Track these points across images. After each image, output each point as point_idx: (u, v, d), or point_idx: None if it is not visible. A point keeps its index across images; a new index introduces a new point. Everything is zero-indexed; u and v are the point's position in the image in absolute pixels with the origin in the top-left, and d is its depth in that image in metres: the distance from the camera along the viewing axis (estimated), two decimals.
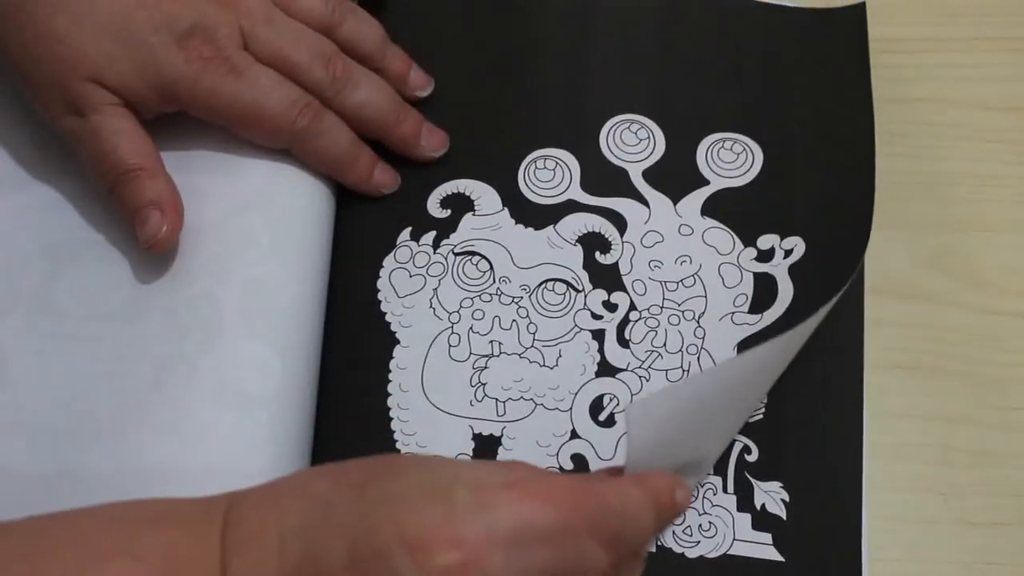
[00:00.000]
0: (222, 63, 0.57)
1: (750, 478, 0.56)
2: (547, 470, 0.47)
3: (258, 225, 0.59)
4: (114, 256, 0.58)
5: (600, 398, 0.58)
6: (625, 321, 0.59)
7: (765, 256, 0.60)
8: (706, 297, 0.60)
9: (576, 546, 0.41)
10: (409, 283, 0.61)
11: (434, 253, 0.61)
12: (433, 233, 0.61)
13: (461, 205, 0.62)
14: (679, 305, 0.60)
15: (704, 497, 0.56)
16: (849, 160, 0.62)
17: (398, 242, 0.61)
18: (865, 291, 0.60)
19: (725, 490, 0.56)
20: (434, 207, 0.62)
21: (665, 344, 0.59)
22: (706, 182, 0.62)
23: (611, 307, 0.60)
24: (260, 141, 0.59)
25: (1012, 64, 0.66)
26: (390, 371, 0.59)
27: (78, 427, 0.54)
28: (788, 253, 0.60)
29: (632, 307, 0.60)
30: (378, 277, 0.61)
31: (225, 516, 0.42)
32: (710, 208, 0.62)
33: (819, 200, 0.61)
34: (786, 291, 0.60)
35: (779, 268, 0.60)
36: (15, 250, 0.58)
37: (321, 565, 0.40)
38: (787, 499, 0.56)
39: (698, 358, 0.59)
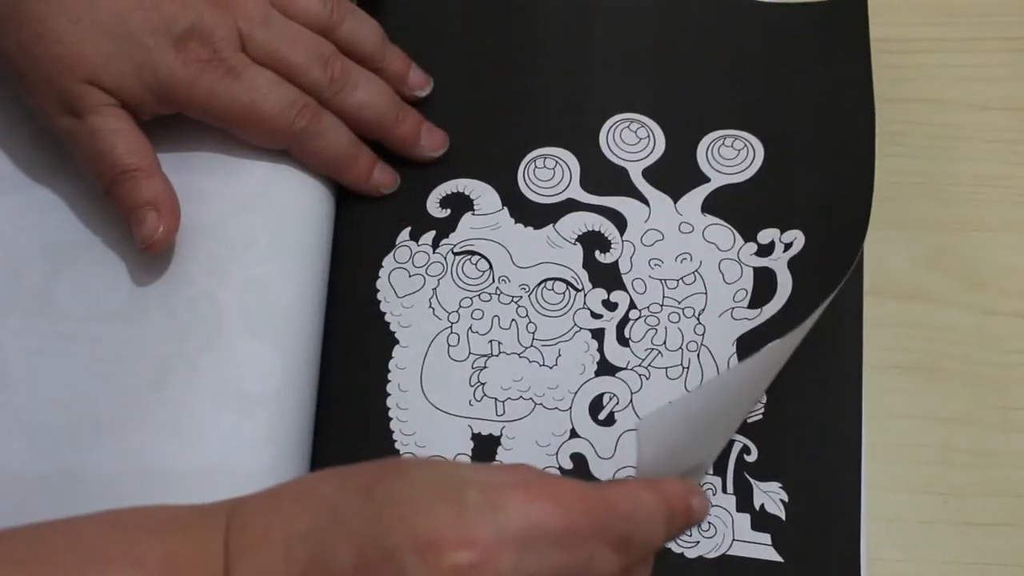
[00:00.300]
0: (219, 65, 0.57)
1: (749, 478, 0.56)
2: (553, 474, 0.47)
3: (257, 225, 0.59)
4: (114, 256, 0.58)
5: (600, 397, 0.58)
6: (625, 320, 0.59)
7: (765, 250, 0.60)
8: (706, 294, 0.60)
9: (586, 549, 0.41)
10: (408, 283, 0.61)
11: (433, 253, 0.61)
12: (432, 233, 0.61)
13: (460, 205, 0.62)
14: (679, 303, 0.60)
15: None
16: (850, 152, 0.61)
17: (397, 242, 0.61)
18: (865, 291, 0.60)
19: (724, 490, 0.56)
20: (433, 207, 0.62)
21: (665, 342, 0.59)
22: (707, 179, 0.62)
23: (611, 306, 0.60)
24: (258, 142, 0.59)
25: (1012, 64, 0.66)
26: (389, 371, 0.59)
27: (78, 427, 0.54)
28: (788, 246, 0.60)
29: (632, 306, 0.60)
30: (377, 277, 0.61)
31: (227, 522, 0.42)
32: (711, 205, 0.62)
33: (819, 193, 0.61)
34: (785, 284, 0.60)
35: (779, 262, 0.60)
36: (15, 250, 0.58)
37: (329, 569, 0.40)
38: (786, 499, 0.56)
39: (698, 355, 0.59)
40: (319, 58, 0.59)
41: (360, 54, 0.61)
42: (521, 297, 0.60)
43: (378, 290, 0.61)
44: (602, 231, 0.61)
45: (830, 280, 0.56)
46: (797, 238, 0.60)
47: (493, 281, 0.60)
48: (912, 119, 0.65)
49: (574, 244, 0.61)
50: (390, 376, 0.59)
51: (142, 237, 0.56)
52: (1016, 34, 0.66)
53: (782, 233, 0.61)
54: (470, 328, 0.59)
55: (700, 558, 0.55)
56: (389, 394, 0.58)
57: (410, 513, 0.40)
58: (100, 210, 0.58)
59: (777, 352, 0.51)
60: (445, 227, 0.62)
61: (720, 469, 0.56)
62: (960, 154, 0.64)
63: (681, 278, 0.60)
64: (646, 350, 0.59)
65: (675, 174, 0.62)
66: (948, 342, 0.60)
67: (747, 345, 0.58)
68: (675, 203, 0.62)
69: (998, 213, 0.63)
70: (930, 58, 0.66)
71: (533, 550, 0.40)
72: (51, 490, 0.53)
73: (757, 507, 0.56)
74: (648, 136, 0.63)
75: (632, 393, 0.58)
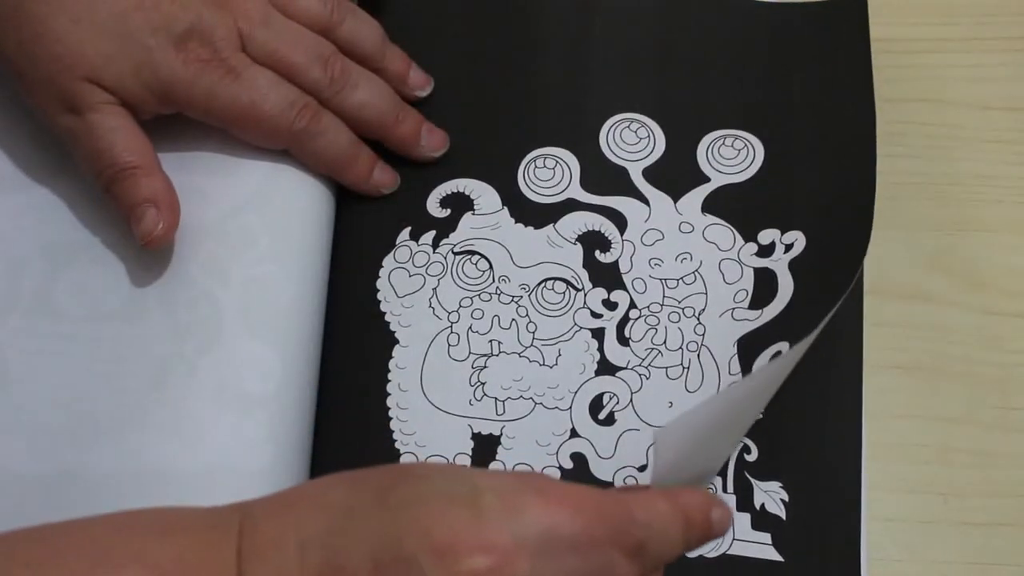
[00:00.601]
0: (219, 65, 0.57)
1: (750, 478, 0.56)
2: (568, 482, 0.46)
3: (257, 225, 0.59)
4: (113, 257, 0.58)
5: (600, 396, 0.58)
6: (625, 319, 0.59)
7: (766, 251, 0.60)
8: (706, 294, 0.60)
9: (602, 556, 0.41)
10: (408, 283, 0.60)
11: (433, 252, 0.61)
12: (433, 232, 0.61)
13: (461, 204, 0.62)
14: (679, 302, 0.60)
15: None
16: (850, 153, 0.61)
17: (397, 242, 0.61)
18: (865, 291, 0.60)
19: (725, 490, 0.56)
20: (434, 207, 0.62)
21: (665, 342, 0.59)
22: (707, 179, 0.62)
23: (611, 305, 0.60)
24: (259, 142, 0.59)
25: (1012, 64, 0.66)
26: (389, 371, 0.59)
27: (78, 427, 0.54)
28: (788, 248, 0.60)
29: (632, 305, 0.60)
30: (378, 277, 0.61)
31: (240, 525, 0.42)
32: (711, 205, 0.62)
33: (820, 194, 0.61)
34: (786, 286, 0.60)
35: (779, 263, 0.60)
36: (15, 250, 0.58)
37: (343, 572, 0.40)
38: (786, 499, 0.56)
39: (698, 355, 0.59)
40: (319, 58, 0.59)
41: (360, 54, 0.61)
42: (521, 297, 0.60)
43: (378, 290, 0.61)
44: (602, 231, 0.61)
45: (832, 283, 0.56)
46: (798, 239, 0.60)
47: (493, 281, 0.60)
48: (912, 119, 0.65)
49: (574, 244, 0.61)
50: (390, 376, 0.59)
51: (141, 234, 0.56)
52: (1016, 34, 0.66)
53: (783, 234, 0.61)
54: (470, 328, 0.59)
55: (700, 557, 0.55)
56: (389, 394, 0.58)
57: (426, 518, 0.40)
58: (100, 210, 0.58)
59: (786, 362, 0.51)
60: (445, 227, 0.62)
61: (720, 469, 0.56)
62: (960, 154, 0.64)
63: (681, 278, 0.60)
64: (646, 350, 0.59)
65: (675, 174, 0.62)
66: (948, 342, 0.60)
67: (748, 346, 0.59)
68: (675, 203, 0.62)
69: (998, 213, 0.63)
70: (930, 58, 0.66)
71: (550, 556, 0.40)
72: (51, 490, 0.53)
73: (757, 506, 0.56)
74: (648, 136, 0.63)
75: (632, 393, 0.58)
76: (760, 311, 0.59)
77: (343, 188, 0.62)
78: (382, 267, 0.61)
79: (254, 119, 0.58)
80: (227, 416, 0.54)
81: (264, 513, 0.42)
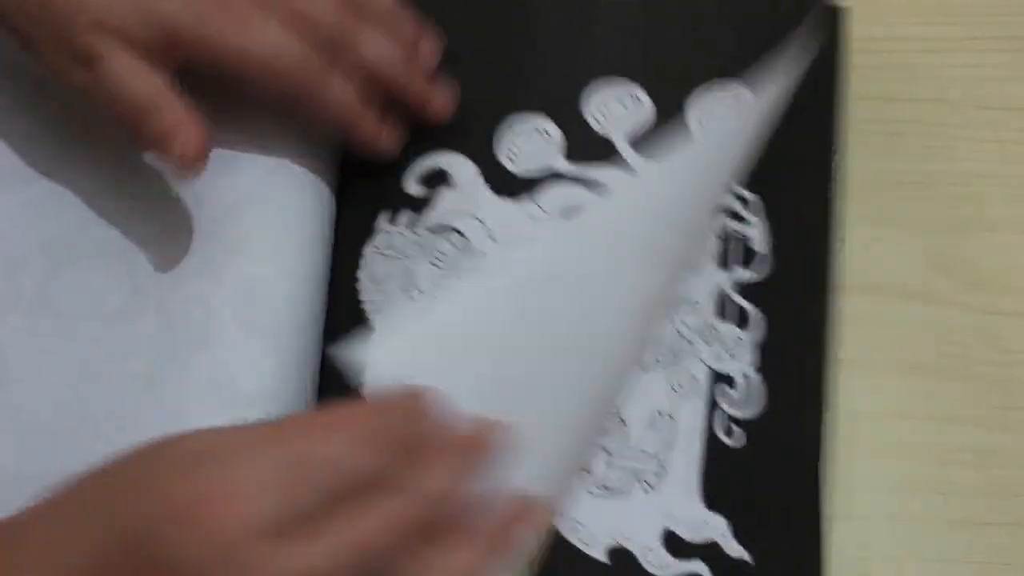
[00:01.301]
0: (228, 11, 0.55)
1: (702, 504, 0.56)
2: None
3: (252, 225, 0.58)
4: (110, 256, 0.57)
5: None
6: None
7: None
8: None
9: (344, 457, 0.41)
10: (386, 267, 0.59)
11: (410, 234, 0.60)
12: (409, 212, 0.60)
13: (437, 180, 0.61)
14: None
15: None
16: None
17: (376, 228, 0.60)
18: (865, 291, 0.60)
19: None
20: (411, 185, 0.61)
21: None
22: None
23: None
24: (266, 94, 0.57)
25: (1012, 64, 0.66)
26: None
27: (77, 426, 0.54)
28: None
29: None
30: (358, 267, 0.60)
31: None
32: None
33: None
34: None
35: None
36: (15, 249, 0.57)
37: (110, 566, 0.40)
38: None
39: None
40: (331, 10, 0.57)
41: (373, 11, 0.60)
42: None
43: (358, 279, 0.59)
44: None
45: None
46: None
47: (471, 258, 0.59)
48: (911, 119, 0.64)
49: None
50: None
51: (175, 157, 0.54)
52: (1016, 34, 0.66)
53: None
54: None
55: None
56: None
57: (165, 487, 0.40)
58: (99, 208, 0.58)
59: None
60: (422, 205, 0.60)
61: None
62: (960, 154, 0.64)
63: None
64: None
65: (662, 143, 0.61)
66: (948, 342, 0.60)
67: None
68: None
69: (998, 213, 0.63)
70: (929, 58, 0.66)
71: (294, 484, 0.40)
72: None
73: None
74: (634, 103, 0.62)
75: None
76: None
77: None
78: (362, 257, 0.60)
79: (262, 67, 0.56)
80: (221, 416, 0.54)
81: (19, 524, 0.42)
